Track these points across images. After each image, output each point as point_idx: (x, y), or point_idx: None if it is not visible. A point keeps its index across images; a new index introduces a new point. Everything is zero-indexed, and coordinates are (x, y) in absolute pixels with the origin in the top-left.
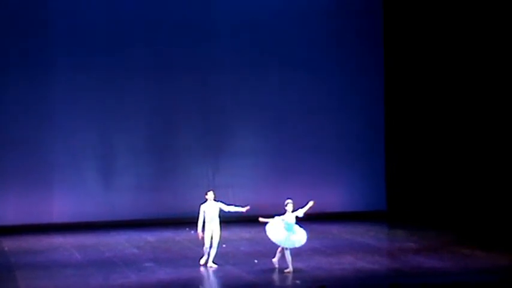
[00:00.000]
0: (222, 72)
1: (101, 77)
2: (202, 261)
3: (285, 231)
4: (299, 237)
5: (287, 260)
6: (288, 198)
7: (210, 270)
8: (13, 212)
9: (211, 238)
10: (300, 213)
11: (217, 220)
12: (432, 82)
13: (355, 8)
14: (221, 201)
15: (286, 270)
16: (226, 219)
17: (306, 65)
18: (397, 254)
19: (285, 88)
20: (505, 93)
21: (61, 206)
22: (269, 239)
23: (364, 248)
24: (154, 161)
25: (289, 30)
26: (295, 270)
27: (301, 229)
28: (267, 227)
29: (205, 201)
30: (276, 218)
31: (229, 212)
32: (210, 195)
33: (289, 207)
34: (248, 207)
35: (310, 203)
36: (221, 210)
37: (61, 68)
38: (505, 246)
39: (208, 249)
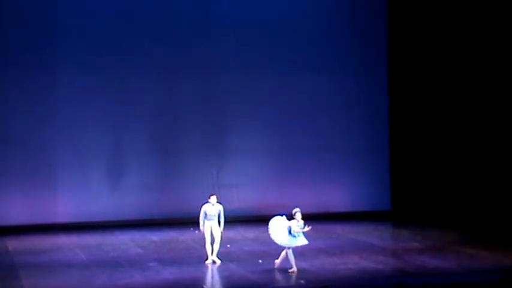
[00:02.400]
0: (226, 72)
1: (105, 78)
2: (207, 262)
3: (288, 234)
4: (301, 239)
5: (290, 260)
6: (296, 207)
7: (214, 266)
8: (17, 212)
9: (212, 233)
10: (298, 229)
11: (217, 220)
12: (437, 82)
13: (359, 7)
14: (222, 207)
15: (290, 270)
16: (230, 219)
17: (309, 64)
18: (401, 254)
19: (289, 88)
20: (511, 93)
21: (65, 206)
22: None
23: (369, 248)
24: (158, 161)
25: (292, 30)
26: (299, 270)
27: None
28: (270, 228)
29: (206, 202)
30: (284, 220)
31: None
32: (213, 199)
33: (298, 215)
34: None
35: (307, 228)
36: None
37: (65, 69)
38: (510, 246)
39: (210, 246)
